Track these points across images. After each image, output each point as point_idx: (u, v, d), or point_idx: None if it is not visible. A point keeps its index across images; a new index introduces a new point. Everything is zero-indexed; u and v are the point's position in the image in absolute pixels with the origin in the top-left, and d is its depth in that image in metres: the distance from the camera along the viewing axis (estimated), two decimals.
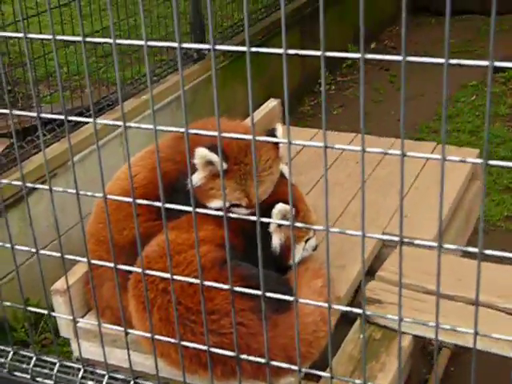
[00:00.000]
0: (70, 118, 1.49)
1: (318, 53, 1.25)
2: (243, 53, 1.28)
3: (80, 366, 1.88)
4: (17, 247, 1.78)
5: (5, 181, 1.79)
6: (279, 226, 2.56)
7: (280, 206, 2.51)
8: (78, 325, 2.64)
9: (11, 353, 1.97)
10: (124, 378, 1.83)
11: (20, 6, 1.54)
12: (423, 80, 6.57)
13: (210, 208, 2.51)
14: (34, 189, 3.98)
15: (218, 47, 1.32)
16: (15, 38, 2.85)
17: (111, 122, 1.55)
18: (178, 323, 2.07)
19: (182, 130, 1.39)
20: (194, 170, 2.54)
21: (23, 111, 2.04)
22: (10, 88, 5.02)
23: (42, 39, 1.82)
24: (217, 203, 2.52)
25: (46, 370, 1.93)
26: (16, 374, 1.95)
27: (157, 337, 1.71)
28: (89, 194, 1.59)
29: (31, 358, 1.95)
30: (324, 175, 1.32)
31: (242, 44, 1.27)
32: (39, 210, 3.95)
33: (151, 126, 1.42)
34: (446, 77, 1.18)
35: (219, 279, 1.73)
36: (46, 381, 1.91)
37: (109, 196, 1.58)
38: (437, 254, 1.40)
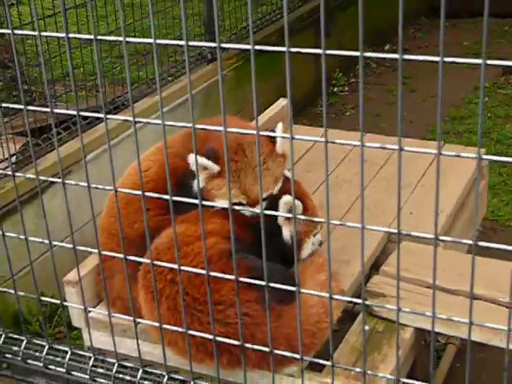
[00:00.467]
0: (82, 114, 1.55)
1: (320, 51, 1.31)
2: (256, 53, 1.34)
3: (91, 355, 1.94)
4: (31, 238, 1.84)
5: (19, 174, 1.86)
6: (287, 218, 2.62)
7: (286, 198, 2.57)
8: (90, 315, 2.71)
9: (25, 341, 2.03)
10: (133, 366, 1.89)
11: (34, 5, 1.60)
12: (437, 82, 6.57)
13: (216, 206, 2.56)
14: (49, 185, 4.06)
15: (224, 45, 1.39)
16: (31, 35, 2.93)
17: (121, 118, 1.61)
18: (185, 313, 2.12)
19: (190, 125, 1.45)
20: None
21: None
22: (27, 87, 5.12)
23: (56, 37, 1.88)
24: (219, 202, 2.57)
25: (58, 359, 1.99)
26: (29, 361, 2.02)
27: (165, 326, 1.76)
28: (100, 186, 1.65)
29: (44, 346, 2.00)
30: (325, 169, 1.37)
31: (256, 44, 1.32)
32: (54, 205, 4.02)
33: (159, 121, 1.48)
34: (440, 72, 1.23)
35: (226, 270, 1.78)
36: (58, 368, 1.97)
37: (119, 189, 1.64)
38: (439, 249, 1.45)
